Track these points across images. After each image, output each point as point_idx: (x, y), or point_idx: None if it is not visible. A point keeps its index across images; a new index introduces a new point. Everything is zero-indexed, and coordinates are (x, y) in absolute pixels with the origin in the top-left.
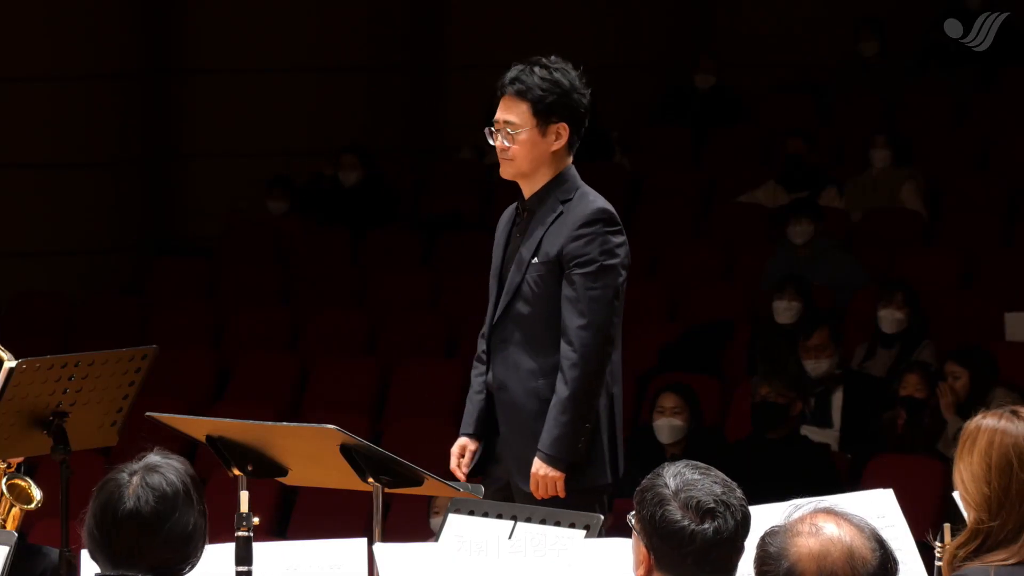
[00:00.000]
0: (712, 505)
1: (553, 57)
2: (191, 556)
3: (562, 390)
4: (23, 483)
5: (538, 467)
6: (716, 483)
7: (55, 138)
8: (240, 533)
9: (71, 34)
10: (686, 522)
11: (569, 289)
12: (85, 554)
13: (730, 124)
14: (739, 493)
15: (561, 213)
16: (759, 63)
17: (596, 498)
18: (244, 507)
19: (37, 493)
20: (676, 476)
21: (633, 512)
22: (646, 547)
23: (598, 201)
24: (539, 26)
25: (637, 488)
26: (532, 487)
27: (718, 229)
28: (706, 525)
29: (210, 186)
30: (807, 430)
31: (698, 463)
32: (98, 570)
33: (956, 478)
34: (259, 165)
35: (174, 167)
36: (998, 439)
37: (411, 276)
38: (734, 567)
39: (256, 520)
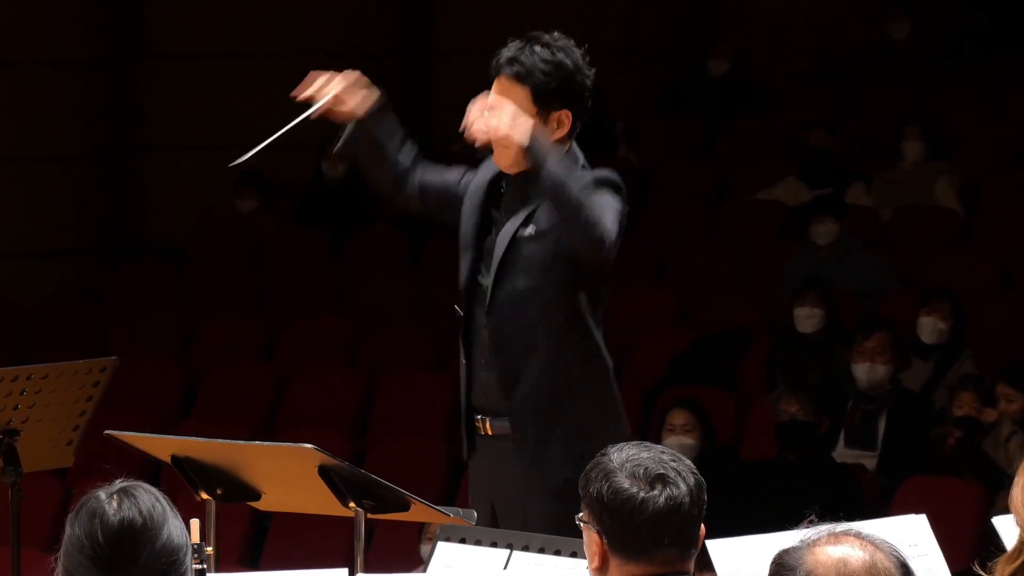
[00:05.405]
0: (661, 471)
1: (556, 33)
2: (183, 569)
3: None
4: None
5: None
6: (664, 453)
7: (7, 130)
8: (195, 566)
9: (25, 17)
10: (635, 490)
11: None
12: None
13: (746, 115)
14: (688, 462)
15: None
16: (777, 49)
17: None
18: (196, 537)
19: None
20: (621, 451)
21: (581, 512)
22: (597, 533)
23: (605, 170)
24: (535, 8)
25: (581, 475)
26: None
27: (732, 228)
28: (656, 491)
29: (178, 182)
30: (846, 454)
31: (642, 441)
32: None
33: (1012, 495)
34: (232, 159)
35: (138, 161)
36: None
37: (397, 280)
38: (694, 540)
39: (209, 550)
